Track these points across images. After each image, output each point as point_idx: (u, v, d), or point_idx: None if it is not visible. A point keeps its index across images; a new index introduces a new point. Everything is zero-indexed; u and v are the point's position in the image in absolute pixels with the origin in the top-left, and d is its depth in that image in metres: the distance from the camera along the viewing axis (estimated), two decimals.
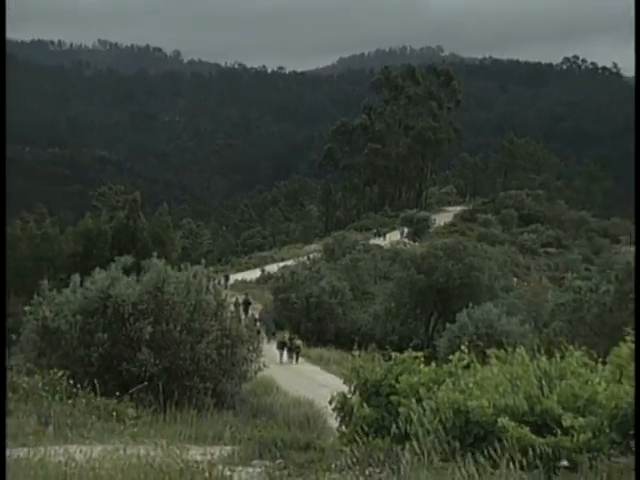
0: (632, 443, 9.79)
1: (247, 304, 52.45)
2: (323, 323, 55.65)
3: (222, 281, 59.73)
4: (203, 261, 27.52)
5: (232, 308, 27.44)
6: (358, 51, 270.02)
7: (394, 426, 12.25)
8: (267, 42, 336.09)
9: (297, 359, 42.54)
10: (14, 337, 25.20)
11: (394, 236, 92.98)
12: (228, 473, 8.21)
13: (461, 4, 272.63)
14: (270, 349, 42.35)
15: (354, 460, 11.18)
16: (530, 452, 10.11)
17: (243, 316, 39.56)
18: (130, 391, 19.42)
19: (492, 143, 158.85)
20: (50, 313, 23.17)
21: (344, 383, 15.23)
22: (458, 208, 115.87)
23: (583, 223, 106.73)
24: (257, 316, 50.30)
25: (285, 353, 42.92)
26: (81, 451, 9.57)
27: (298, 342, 44.01)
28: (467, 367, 12.90)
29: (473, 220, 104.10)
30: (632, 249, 48.37)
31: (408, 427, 11.83)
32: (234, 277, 71.52)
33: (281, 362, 41.52)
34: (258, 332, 43.87)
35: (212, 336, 23.04)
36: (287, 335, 47.42)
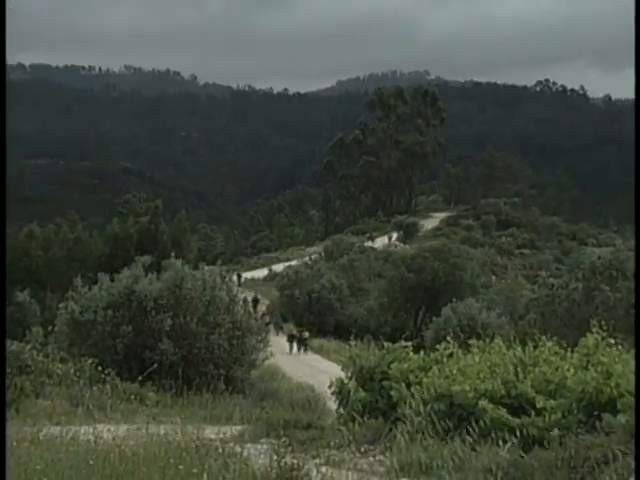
0: (597, 422, 9.78)
1: (256, 302, 52.36)
2: (323, 316, 55.64)
3: (235, 279, 59.75)
4: (219, 262, 27.63)
5: (242, 303, 27.33)
6: (354, 75, 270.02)
7: (386, 408, 12.27)
8: (273, 66, 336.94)
9: (305, 350, 42.06)
10: (49, 329, 25.23)
11: (384, 240, 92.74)
12: (238, 449, 8.20)
13: (446, 34, 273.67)
14: (279, 341, 42.23)
15: (351, 438, 11.17)
16: (507, 431, 10.13)
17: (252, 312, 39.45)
18: (146, 375, 19.38)
19: (473, 156, 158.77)
20: (81, 308, 23.20)
21: (342, 370, 15.22)
22: (443, 214, 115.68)
23: (554, 227, 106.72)
24: (267, 312, 50.17)
25: (295, 345, 42.54)
26: (108, 430, 9.58)
27: (306, 334, 43.68)
28: (451, 356, 12.91)
29: (457, 225, 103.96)
30: (598, 250, 48.21)
31: (399, 409, 11.85)
32: (244, 275, 71.42)
33: (291, 353, 41.15)
34: (267, 324, 43.88)
35: (224, 328, 23.05)
36: (291, 328, 47.26)
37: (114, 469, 6.92)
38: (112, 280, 23.83)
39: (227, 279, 27.27)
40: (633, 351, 11.73)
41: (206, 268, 24.68)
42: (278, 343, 40.94)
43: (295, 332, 43.96)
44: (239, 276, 65.84)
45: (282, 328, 48.59)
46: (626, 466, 8.14)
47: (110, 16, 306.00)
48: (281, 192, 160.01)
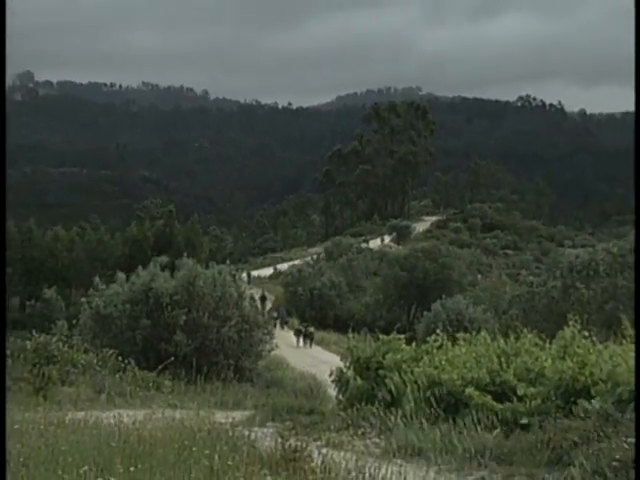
0: (573, 408, 9.79)
1: (263, 299, 52.32)
2: (324, 311, 55.65)
3: (245, 277, 59.75)
4: (227, 262, 27.56)
5: (250, 299, 27.29)
6: (352, 91, 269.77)
7: (381, 395, 12.28)
8: (279, 83, 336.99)
9: (311, 344, 41.74)
10: (74, 322, 25.24)
11: (377, 242, 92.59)
12: (247, 433, 8.21)
13: (437, 54, 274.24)
14: (286, 335, 42.14)
15: (349, 422, 11.18)
16: (491, 415, 10.14)
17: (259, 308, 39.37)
18: (162, 365, 19.37)
19: (461, 165, 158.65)
20: (103, 303, 23.22)
21: (341, 360, 15.24)
22: (433, 218, 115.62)
23: (534, 230, 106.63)
24: (274, 308, 50.06)
25: (301, 339, 42.31)
26: (127, 415, 9.58)
27: (312, 329, 43.47)
28: (440, 347, 12.91)
29: (446, 227, 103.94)
30: (575, 251, 48.00)
31: (393, 396, 11.86)
32: (252, 274, 71.40)
33: (298, 346, 40.90)
34: (275, 319, 43.76)
35: (234, 322, 23.05)
36: (294, 322, 47.15)
37: (133, 450, 6.93)
38: (128, 278, 23.85)
39: (237, 277, 27.27)
40: (606, 343, 11.74)
41: (216, 267, 24.69)
42: (285, 337, 40.91)
43: (301, 327, 43.81)
44: (249, 275, 65.78)
45: (287, 323, 48.52)
46: (600, 447, 8.15)
47: (130, 37, 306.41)
48: (285, 198, 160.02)
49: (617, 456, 7.84)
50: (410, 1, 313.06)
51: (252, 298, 26.14)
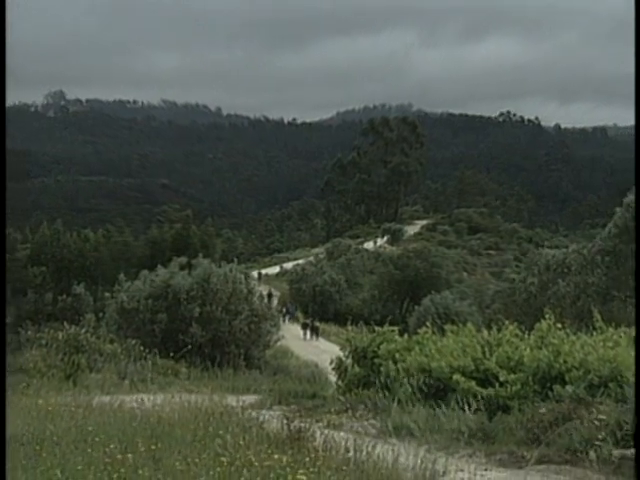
0: (549, 392, 9.79)
1: (270, 296, 52.31)
2: (325, 305, 55.57)
3: (256, 276, 59.73)
4: (235, 261, 27.55)
5: (259, 296, 27.25)
6: (351, 107, 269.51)
7: (377, 381, 12.28)
8: (285, 100, 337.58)
9: (317, 337, 41.22)
10: (100, 316, 25.26)
11: (370, 244, 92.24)
12: (255, 415, 8.22)
13: (427, 74, 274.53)
14: (294, 328, 41.98)
15: (348, 406, 11.18)
16: (476, 399, 10.13)
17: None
18: (180, 353, 19.35)
19: (448, 174, 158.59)
20: (126, 298, 23.23)
21: (340, 350, 15.23)
22: (424, 221, 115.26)
23: (514, 232, 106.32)
24: (281, 304, 49.85)
25: (308, 332, 41.87)
26: (148, 398, 9.59)
27: (317, 324, 43.16)
28: (430, 338, 12.93)
29: (435, 230, 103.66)
30: (551, 252, 47.69)
31: (387, 382, 11.86)
32: (257, 272, 71.31)
33: (305, 339, 40.62)
34: (284, 314, 43.56)
35: (244, 315, 23.06)
36: (301, 317, 46.95)
37: (153, 430, 6.94)
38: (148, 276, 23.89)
39: (248, 275, 27.28)
40: (578, 334, 11.74)
41: (228, 266, 24.69)
42: (294, 330, 40.82)
43: (308, 321, 43.58)
44: (259, 274, 65.59)
45: (296, 318, 48.34)
46: (572, 427, 8.15)
47: (151, 59, 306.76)
48: (290, 204, 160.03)
49: (587, 435, 7.85)
50: (408, 27, 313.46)
51: (261, 295, 26.08)
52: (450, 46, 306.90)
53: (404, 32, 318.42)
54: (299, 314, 49.45)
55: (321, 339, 40.48)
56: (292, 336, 36.13)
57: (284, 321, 41.88)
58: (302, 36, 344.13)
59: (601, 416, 8.08)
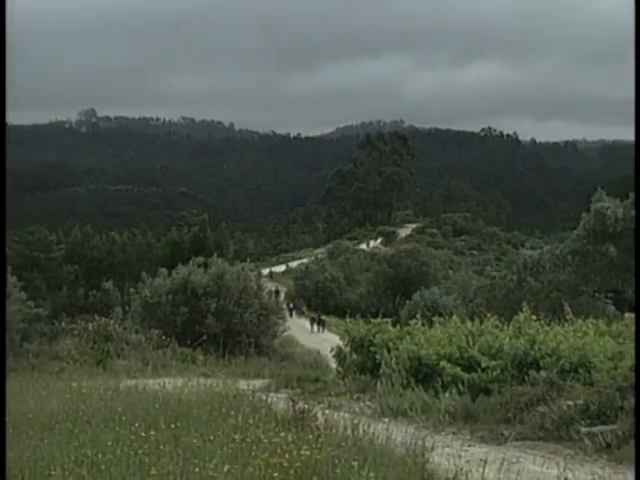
0: (525, 377, 9.78)
1: (277, 293, 52.13)
2: (326, 300, 55.54)
3: (269, 274, 59.74)
4: (247, 259, 27.53)
5: (268, 292, 27.15)
6: (349, 123, 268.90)
7: (372, 367, 12.28)
8: (291, 117, 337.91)
9: (323, 329, 40.31)
10: (127, 309, 25.26)
11: (364, 245, 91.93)
12: (264, 397, 8.22)
13: (418, 94, 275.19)
14: (302, 322, 41.79)
15: (346, 389, 11.18)
16: (460, 383, 10.13)
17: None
18: (197, 342, 19.33)
19: (435, 183, 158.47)
20: (149, 293, 23.23)
21: (340, 339, 15.22)
22: (414, 225, 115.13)
23: (494, 235, 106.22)
24: (289, 299, 49.66)
25: (315, 325, 41.17)
26: (169, 382, 9.59)
27: (324, 318, 42.77)
28: (419, 328, 12.92)
29: (424, 233, 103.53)
30: (527, 252, 47.44)
31: (381, 367, 11.86)
32: (268, 270, 71.27)
33: (312, 331, 39.86)
34: (292, 309, 43.33)
35: (253, 308, 23.04)
36: (306, 311, 46.73)
37: (173, 411, 6.94)
38: (169, 274, 23.88)
39: (259, 273, 27.22)
40: (551, 325, 11.72)
41: (240, 265, 24.69)
42: (300, 324, 40.68)
43: (315, 316, 43.21)
44: (271, 273, 65.38)
45: (304, 313, 48.15)
46: (545, 408, 8.14)
47: (171, 81, 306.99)
48: (295, 209, 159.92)
49: (559, 414, 7.84)
50: (405, 52, 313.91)
51: (270, 291, 25.98)
52: (442, 69, 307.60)
53: (402, 57, 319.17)
54: (305, 309, 49.36)
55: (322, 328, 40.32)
56: (300, 329, 36.11)
57: (291, 315, 41.72)
58: (309, 61, 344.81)
59: (571, 398, 8.07)
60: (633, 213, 30.33)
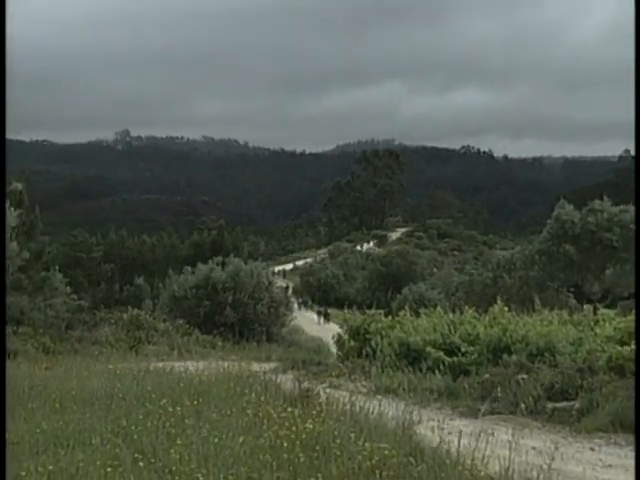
0: (499, 360, 9.76)
1: (287, 288, 51.89)
2: (327, 294, 55.48)
3: (282, 272, 59.64)
4: (259, 259, 27.55)
5: (279, 288, 27.09)
6: (348, 141, 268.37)
7: (367, 351, 12.28)
8: (297, 136, 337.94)
9: (328, 321, 39.12)
10: (156, 301, 25.28)
11: (359, 247, 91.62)
12: (274, 378, 8.23)
13: (409, 116, 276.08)
14: (309, 315, 41.52)
15: (345, 370, 11.17)
16: (443, 366, 10.12)
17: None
18: (216, 331, 19.31)
19: (422, 193, 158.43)
20: (176, 288, 23.26)
21: (340, 328, 15.23)
22: (404, 229, 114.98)
23: (473, 238, 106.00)
24: (298, 295, 49.47)
25: (322, 318, 40.25)
26: (192, 365, 9.60)
27: (329, 311, 42.06)
28: (408, 318, 12.92)
29: (412, 236, 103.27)
30: (500, 252, 47.34)
31: (375, 352, 11.86)
32: (278, 268, 71.14)
33: (319, 323, 38.98)
34: (300, 303, 43.09)
35: (265, 301, 23.08)
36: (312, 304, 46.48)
37: (196, 389, 6.96)
38: (192, 271, 23.90)
39: (270, 271, 27.21)
40: (522, 315, 11.72)
41: (253, 264, 24.72)
42: (308, 316, 40.44)
43: (321, 309, 42.87)
44: (284, 272, 65.01)
45: (310, 306, 47.97)
46: (516, 386, 8.14)
47: (194, 106, 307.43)
48: (301, 215, 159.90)
49: (527, 392, 7.85)
50: (401, 80, 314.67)
51: (281, 287, 25.88)
52: (431, 94, 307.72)
53: (399, 83, 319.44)
54: (310, 303, 49.26)
55: (323, 320, 40.02)
56: (309, 321, 35.97)
57: (300, 308, 41.63)
58: (316, 87, 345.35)
59: (538, 378, 8.07)
60: (590, 219, 30.42)
